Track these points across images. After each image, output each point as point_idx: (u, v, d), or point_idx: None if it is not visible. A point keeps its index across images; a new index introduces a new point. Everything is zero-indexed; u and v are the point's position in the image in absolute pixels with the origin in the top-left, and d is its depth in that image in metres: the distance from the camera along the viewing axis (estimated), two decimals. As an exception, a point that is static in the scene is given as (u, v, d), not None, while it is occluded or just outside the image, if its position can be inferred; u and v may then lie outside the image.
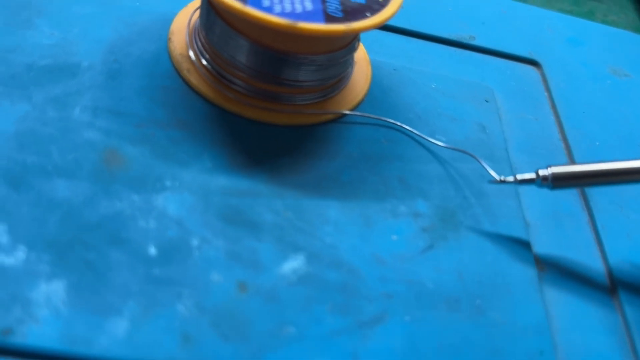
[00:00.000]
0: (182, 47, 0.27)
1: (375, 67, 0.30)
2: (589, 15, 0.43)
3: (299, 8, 0.23)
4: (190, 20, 0.28)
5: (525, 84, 0.33)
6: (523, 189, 0.27)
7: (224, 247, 0.21)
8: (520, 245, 0.25)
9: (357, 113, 0.27)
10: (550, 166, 0.24)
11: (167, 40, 0.27)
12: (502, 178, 0.25)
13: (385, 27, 0.33)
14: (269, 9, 0.22)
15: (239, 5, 0.22)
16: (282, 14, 0.22)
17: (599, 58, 0.37)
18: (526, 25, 0.37)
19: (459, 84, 0.31)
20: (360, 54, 0.30)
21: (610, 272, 0.25)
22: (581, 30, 0.39)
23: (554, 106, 0.32)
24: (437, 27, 0.34)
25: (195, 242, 0.21)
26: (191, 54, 0.26)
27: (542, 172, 0.24)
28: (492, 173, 0.25)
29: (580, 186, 0.24)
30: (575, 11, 0.42)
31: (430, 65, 0.32)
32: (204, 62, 0.26)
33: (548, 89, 0.33)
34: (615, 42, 0.39)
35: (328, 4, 0.23)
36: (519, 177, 0.24)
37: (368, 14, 0.24)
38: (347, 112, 0.27)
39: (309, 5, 0.23)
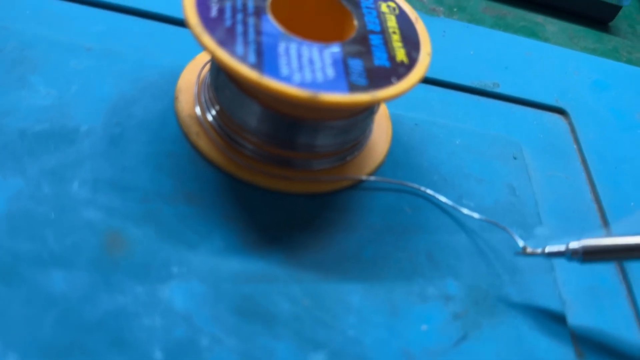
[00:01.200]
0: (190, 108, 0.25)
1: (395, 122, 0.28)
2: (614, 53, 0.41)
3: (320, 76, 0.21)
4: (199, 75, 0.26)
5: (553, 135, 0.31)
6: (558, 260, 0.25)
7: (237, 347, 0.19)
8: (558, 329, 0.23)
9: (378, 178, 0.25)
10: (582, 239, 0.22)
11: (173, 98, 0.25)
12: (531, 250, 0.23)
13: (404, 75, 0.31)
14: (287, 79, 0.20)
15: (256, 77, 0.20)
16: (302, 84, 0.20)
17: (627, 103, 0.35)
18: (551, 69, 0.35)
19: (484, 138, 0.29)
20: (380, 109, 0.28)
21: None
22: (607, 72, 0.37)
23: (584, 161, 0.30)
24: (459, 74, 0.32)
25: (205, 342, 0.19)
26: (200, 115, 0.24)
27: (572, 245, 0.22)
28: (521, 244, 0.23)
29: (613, 260, 0.23)
30: (599, 49, 0.40)
31: (454, 118, 0.30)
32: (214, 124, 0.24)
33: (577, 141, 0.31)
34: (642, 84, 0.37)
35: (351, 69, 0.21)
36: (548, 249, 0.22)
37: (394, 80, 0.22)
38: (367, 177, 0.25)
39: (330, 73, 0.21)
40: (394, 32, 0.24)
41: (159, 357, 0.18)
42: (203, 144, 0.24)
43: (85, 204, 0.21)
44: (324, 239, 0.23)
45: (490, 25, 0.38)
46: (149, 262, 0.20)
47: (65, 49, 0.26)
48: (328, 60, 0.21)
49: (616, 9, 0.42)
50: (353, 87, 0.21)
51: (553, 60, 0.36)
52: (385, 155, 0.26)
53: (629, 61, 0.40)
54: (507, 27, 0.39)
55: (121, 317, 0.19)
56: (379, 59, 0.22)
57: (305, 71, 0.21)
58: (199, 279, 0.20)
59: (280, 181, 0.24)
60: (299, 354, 0.19)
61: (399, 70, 0.22)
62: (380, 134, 0.27)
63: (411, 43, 0.24)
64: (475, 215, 0.24)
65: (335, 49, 0.22)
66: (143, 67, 0.26)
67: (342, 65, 0.21)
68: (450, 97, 0.31)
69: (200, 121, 0.24)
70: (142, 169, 0.23)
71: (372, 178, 0.25)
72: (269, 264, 0.21)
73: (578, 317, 0.24)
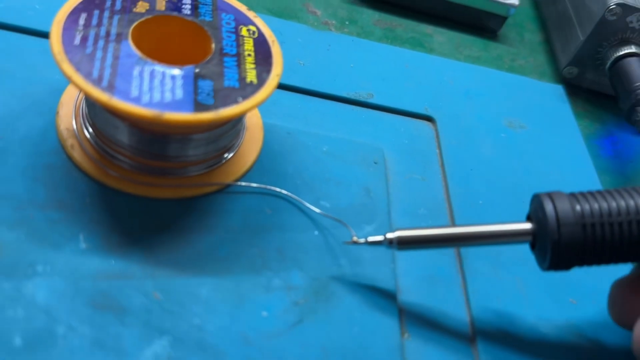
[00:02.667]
0: (69, 121, 0.27)
1: (268, 131, 0.31)
2: (497, 61, 0.44)
3: (168, 97, 0.24)
4: (80, 91, 0.28)
5: (418, 141, 0.34)
6: (401, 254, 0.28)
7: (89, 334, 0.22)
8: (388, 314, 0.26)
9: (243, 183, 0.28)
10: (397, 229, 0.25)
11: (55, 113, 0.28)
12: (355, 239, 0.26)
13: (283, 87, 0.34)
14: (136, 100, 0.23)
15: (106, 98, 0.23)
16: (150, 104, 0.23)
17: (496, 109, 0.39)
18: (427, 79, 0.39)
19: (350, 145, 0.32)
20: (254, 119, 0.31)
21: (476, 340, 0.26)
22: (481, 80, 0.40)
23: (442, 164, 0.34)
24: (337, 86, 0.35)
25: (60, 330, 0.22)
26: (75, 128, 0.27)
27: (389, 236, 0.25)
28: (353, 235, 0.27)
29: (426, 248, 0.26)
30: (483, 57, 0.44)
31: (326, 127, 0.33)
32: (88, 137, 0.27)
33: (439, 146, 0.35)
34: (514, 90, 0.41)
35: (200, 89, 0.24)
36: (370, 239, 0.26)
37: (240, 99, 0.25)
38: (232, 182, 0.28)
39: (179, 93, 0.24)
40: (249, 55, 0.27)
41: (18, 343, 0.21)
42: (77, 155, 0.26)
43: (-38, 212, 0.24)
44: (183, 240, 0.26)
45: (379, 38, 0.42)
46: (17, 262, 0.23)
47: (-42, 69, 0.28)
48: (179, 82, 0.24)
49: (502, 19, 0.46)
50: (199, 107, 0.24)
51: (431, 71, 0.39)
52: (253, 162, 0.29)
53: (511, 68, 0.44)
54: (395, 39, 0.42)
55: (-14, 310, 0.22)
56: (230, 80, 0.25)
57: (154, 92, 0.24)
58: (60, 277, 0.23)
59: (147, 188, 0.26)
60: (144, 339, 0.22)
61: (247, 90, 0.25)
62: (251, 143, 0.30)
63: (264, 65, 0.27)
64: (318, 210, 0.28)
65: (187, 71, 0.25)
66: (31, 84, 0.29)
67: (192, 86, 0.24)
68: (326, 108, 0.34)
69: (76, 134, 0.27)
70: (19, 180, 0.25)
71: (238, 183, 0.28)
72: (128, 263, 0.24)
73: (412, 303, 0.27)
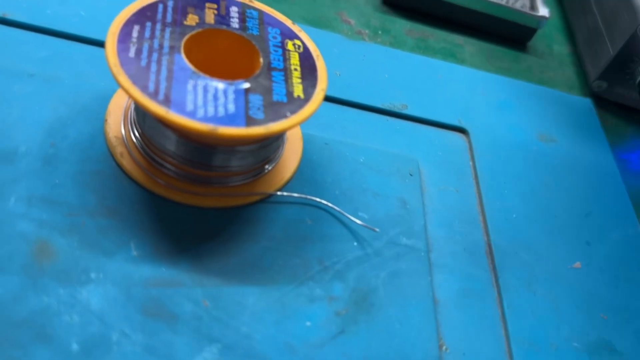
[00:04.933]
0: (117, 129, 0.28)
1: (307, 141, 0.32)
2: (526, 73, 0.45)
3: (221, 111, 0.24)
4: (128, 99, 0.29)
5: (451, 153, 0.35)
6: (437, 268, 0.29)
7: (141, 341, 0.22)
8: (427, 326, 0.27)
9: (284, 193, 0.29)
10: None
11: (104, 120, 0.29)
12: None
13: (321, 97, 0.35)
14: (191, 114, 0.24)
15: (163, 112, 0.23)
16: (204, 118, 0.24)
17: (527, 122, 0.39)
18: (459, 90, 0.39)
19: (386, 156, 0.33)
20: (293, 130, 0.32)
21: (511, 352, 0.27)
22: (514, 92, 0.41)
23: (476, 177, 0.34)
24: (372, 96, 0.36)
25: (114, 336, 0.22)
26: (124, 137, 0.28)
27: None
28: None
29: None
30: (513, 69, 0.44)
31: (362, 137, 0.33)
32: (138, 146, 0.28)
33: (473, 158, 0.35)
34: (545, 103, 0.41)
35: (251, 104, 0.25)
36: None
37: (288, 113, 0.25)
38: (274, 192, 0.29)
39: (231, 108, 0.25)
40: (295, 69, 0.27)
41: (75, 348, 0.22)
42: (126, 163, 0.27)
43: (20, 217, 0.24)
44: (230, 249, 0.26)
45: (411, 47, 0.42)
46: (71, 269, 0.24)
47: (10, 75, 0.29)
48: (231, 96, 0.25)
49: (532, 30, 0.46)
50: (250, 121, 0.24)
51: (463, 82, 0.40)
52: (294, 172, 0.30)
53: (540, 80, 0.44)
54: (427, 49, 0.43)
55: (45, 314, 0.22)
56: (278, 95, 0.26)
57: (208, 106, 0.24)
58: (113, 284, 0.24)
59: (193, 197, 0.27)
60: (195, 347, 0.23)
61: (294, 105, 0.26)
62: (292, 153, 0.31)
63: (309, 79, 0.27)
64: (359, 221, 0.28)
65: (238, 85, 0.26)
66: (80, 91, 0.30)
67: (244, 101, 0.25)
68: (362, 118, 0.35)
69: (125, 142, 0.28)
70: (71, 186, 0.26)
71: (279, 193, 0.29)
72: (177, 270, 0.25)
73: (448, 316, 0.28)
